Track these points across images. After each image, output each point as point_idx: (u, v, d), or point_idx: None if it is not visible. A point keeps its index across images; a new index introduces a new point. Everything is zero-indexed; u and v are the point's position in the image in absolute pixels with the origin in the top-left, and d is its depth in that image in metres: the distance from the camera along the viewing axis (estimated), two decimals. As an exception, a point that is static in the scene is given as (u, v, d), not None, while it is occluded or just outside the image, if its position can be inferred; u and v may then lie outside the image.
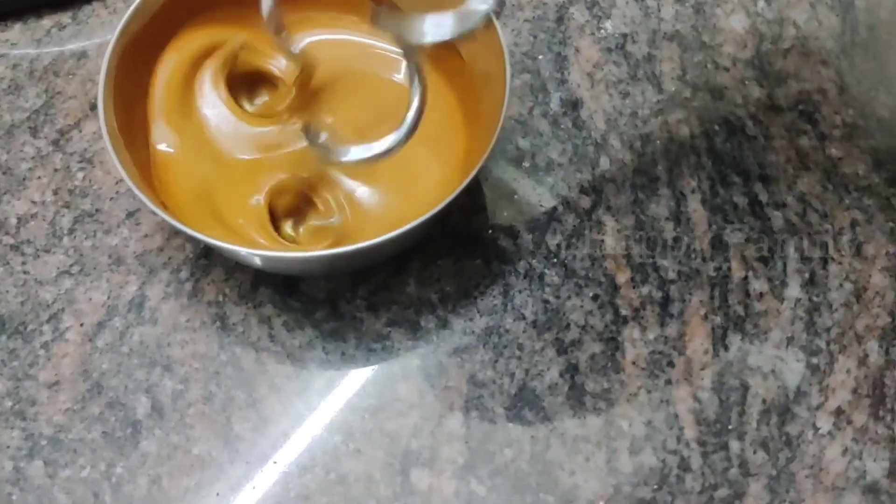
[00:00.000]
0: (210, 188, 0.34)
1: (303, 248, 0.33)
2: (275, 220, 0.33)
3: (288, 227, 0.34)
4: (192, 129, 0.34)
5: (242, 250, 0.30)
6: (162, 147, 0.33)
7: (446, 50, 0.35)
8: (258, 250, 0.31)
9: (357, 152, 0.30)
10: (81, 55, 0.40)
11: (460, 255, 0.36)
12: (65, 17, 0.41)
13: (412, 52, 0.29)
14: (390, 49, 0.37)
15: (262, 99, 0.37)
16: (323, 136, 0.33)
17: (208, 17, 0.35)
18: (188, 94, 0.35)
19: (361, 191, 0.35)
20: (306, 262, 0.33)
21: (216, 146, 0.35)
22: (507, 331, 0.34)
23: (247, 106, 0.36)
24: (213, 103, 0.35)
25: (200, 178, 0.34)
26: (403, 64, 0.36)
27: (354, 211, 0.34)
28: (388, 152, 0.29)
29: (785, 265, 0.36)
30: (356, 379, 0.33)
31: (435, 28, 0.27)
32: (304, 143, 0.34)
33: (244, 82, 0.37)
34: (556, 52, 0.40)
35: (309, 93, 0.36)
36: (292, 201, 0.34)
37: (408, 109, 0.29)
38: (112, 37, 0.32)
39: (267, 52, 0.36)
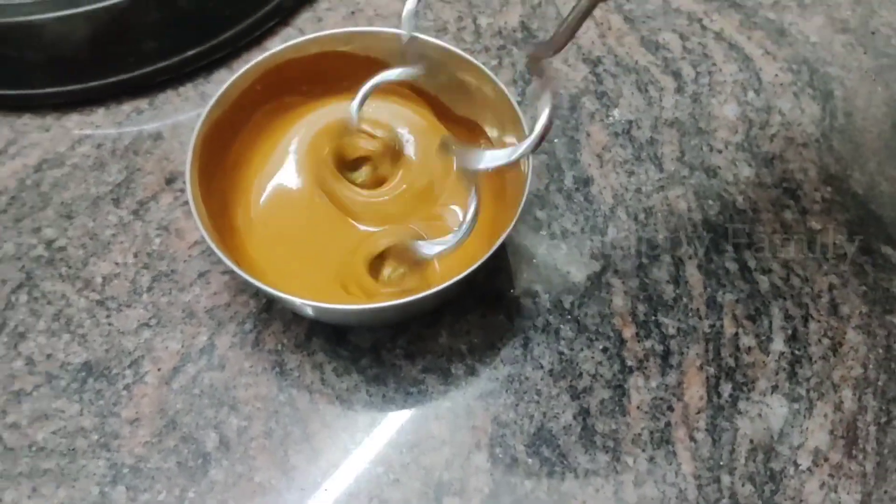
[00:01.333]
0: (272, 251, 0.39)
1: (348, 300, 0.38)
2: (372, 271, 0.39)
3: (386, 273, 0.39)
4: (268, 202, 0.40)
5: (298, 301, 0.34)
6: (245, 214, 0.39)
7: (478, 135, 0.40)
8: (310, 301, 0.35)
9: (429, 247, 0.36)
10: (157, 136, 0.45)
11: (486, 311, 0.40)
12: (143, 103, 0.47)
13: (471, 174, 0.34)
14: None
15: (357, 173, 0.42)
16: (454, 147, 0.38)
17: (278, 104, 0.41)
18: (267, 170, 0.41)
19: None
20: (351, 314, 0.37)
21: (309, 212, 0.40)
22: (526, 378, 0.38)
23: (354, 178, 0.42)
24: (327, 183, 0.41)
25: (277, 239, 0.39)
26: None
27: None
28: (450, 250, 0.35)
29: (770, 323, 0.40)
30: (395, 418, 0.37)
31: (490, 159, 0.32)
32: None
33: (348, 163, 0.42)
34: (570, 136, 0.45)
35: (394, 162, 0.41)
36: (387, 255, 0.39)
37: (465, 215, 0.34)
38: (199, 119, 0.37)
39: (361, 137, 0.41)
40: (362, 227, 0.40)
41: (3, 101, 0.46)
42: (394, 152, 0.41)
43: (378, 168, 0.41)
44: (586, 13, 0.28)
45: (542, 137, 0.30)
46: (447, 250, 0.35)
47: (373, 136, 0.41)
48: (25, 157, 0.45)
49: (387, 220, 0.40)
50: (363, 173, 0.41)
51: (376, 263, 0.39)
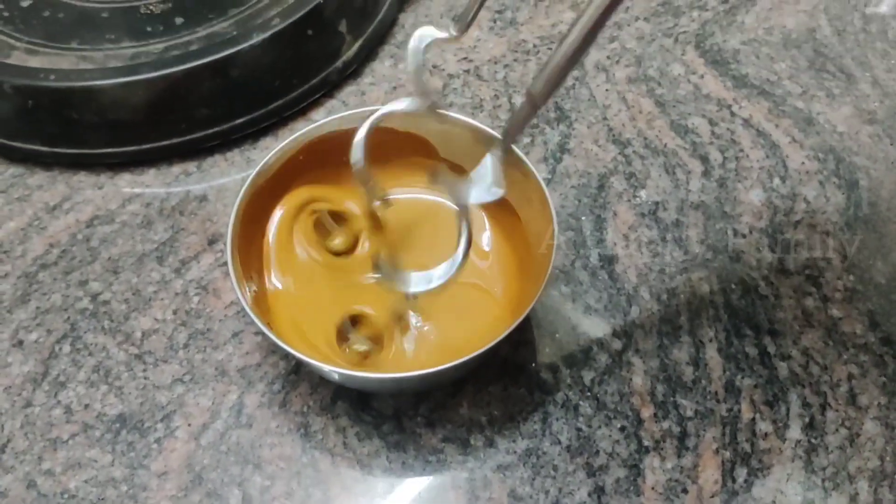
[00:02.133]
0: (300, 315, 0.41)
1: (374, 369, 0.39)
2: (343, 340, 0.40)
3: (356, 345, 0.40)
4: (297, 267, 0.42)
5: (325, 367, 0.35)
6: (273, 282, 0.41)
7: (507, 211, 0.42)
8: (337, 368, 0.37)
9: (417, 281, 0.36)
10: (203, 198, 0.48)
11: (507, 383, 0.41)
12: (191, 166, 0.49)
13: (462, 207, 0.35)
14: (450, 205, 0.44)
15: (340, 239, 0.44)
16: (387, 268, 0.39)
17: (318, 174, 0.43)
18: (290, 240, 0.42)
19: (427, 323, 0.41)
20: (377, 382, 0.39)
21: (309, 281, 0.42)
22: (544, 453, 0.39)
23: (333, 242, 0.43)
24: (305, 245, 0.42)
25: (295, 307, 0.41)
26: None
27: (420, 339, 0.41)
28: (439, 285, 0.36)
29: (788, 410, 0.40)
30: (414, 486, 0.38)
31: (477, 195, 0.33)
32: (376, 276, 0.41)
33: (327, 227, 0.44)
34: (597, 215, 0.47)
35: (382, 234, 0.43)
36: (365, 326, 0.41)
37: (457, 247, 0.35)
38: (244, 185, 0.39)
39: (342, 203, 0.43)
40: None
41: (61, 158, 0.49)
42: (374, 224, 0.43)
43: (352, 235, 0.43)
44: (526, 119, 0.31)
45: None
46: (433, 287, 0.36)
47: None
48: (79, 212, 0.47)
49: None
50: (339, 242, 0.43)
51: (346, 328, 0.41)
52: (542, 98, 0.29)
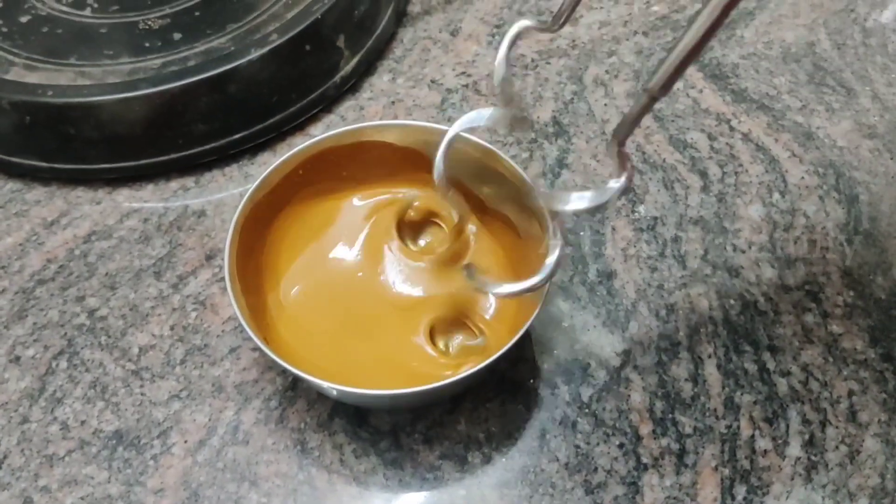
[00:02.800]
0: (302, 330, 0.41)
1: (370, 386, 0.39)
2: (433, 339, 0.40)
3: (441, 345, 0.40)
4: (302, 282, 0.42)
5: (324, 384, 0.35)
6: (289, 295, 0.41)
7: (507, 227, 0.42)
8: (336, 385, 0.36)
9: (507, 288, 0.36)
10: (201, 213, 0.48)
11: (505, 399, 0.41)
12: (189, 181, 0.49)
13: (557, 215, 0.34)
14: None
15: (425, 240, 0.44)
16: (478, 275, 0.38)
17: (317, 189, 0.43)
18: (304, 251, 0.43)
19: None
20: (372, 398, 0.38)
21: (315, 295, 0.42)
22: (542, 470, 0.39)
23: (412, 246, 0.44)
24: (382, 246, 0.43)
25: (298, 321, 0.41)
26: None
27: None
28: (530, 289, 0.35)
29: (788, 426, 0.40)
30: (411, 503, 0.38)
31: (577, 200, 0.31)
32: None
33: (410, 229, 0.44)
34: (595, 230, 0.46)
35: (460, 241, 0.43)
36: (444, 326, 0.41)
37: (548, 257, 0.34)
38: (242, 200, 0.39)
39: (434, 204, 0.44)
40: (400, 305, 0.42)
41: (59, 174, 0.49)
42: (460, 227, 0.43)
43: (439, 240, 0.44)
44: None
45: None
46: (518, 292, 0.35)
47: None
48: (76, 227, 0.47)
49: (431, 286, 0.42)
50: (423, 243, 0.44)
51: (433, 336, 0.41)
52: (662, 91, 0.28)
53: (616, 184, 0.30)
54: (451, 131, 0.37)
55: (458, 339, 0.41)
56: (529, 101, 0.52)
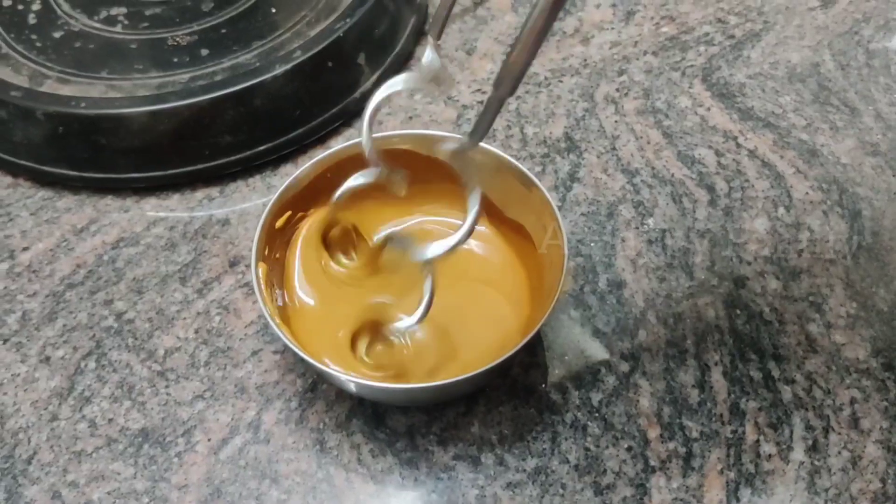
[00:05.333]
0: (316, 330, 0.42)
1: (391, 380, 0.40)
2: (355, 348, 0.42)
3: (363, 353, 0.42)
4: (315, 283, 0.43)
5: (343, 376, 0.37)
6: (300, 299, 0.42)
7: (523, 237, 0.43)
8: (356, 378, 0.38)
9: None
10: (225, 222, 0.49)
11: (518, 403, 0.42)
12: (214, 191, 0.51)
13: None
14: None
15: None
16: (405, 242, 0.40)
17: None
18: (311, 257, 0.44)
19: (443, 341, 0.42)
20: (389, 392, 0.40)
21: (327, 294, 0.43)
22: (553, 471, 0.40)
23: (343, 260, 0.45)
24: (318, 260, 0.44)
25: (313, 322, 0.42)
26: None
27: (435, 356, 0.42)
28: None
29: (792, 432, 0.41)
30: (425, 501, 0.39)
31: (432, 250, 0.36)
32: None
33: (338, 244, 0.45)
34: (606, 241, 0.48)
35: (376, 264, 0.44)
36: (368, 332, 0.42)
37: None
38: (263, 214, 0.40)
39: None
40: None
41: (89, 182, 0.51)
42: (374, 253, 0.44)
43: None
44: (498, 108, 0.32)
45: (471, 230, 0.35)
46: (402, 329, 0.38)
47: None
48: (105, 234, 0.49)
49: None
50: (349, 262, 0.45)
51: (355, 338, 0.42)
52: (509, 93, 0.31)
53: (458, 237, 0.35)
54: (376, 97, 0.37)
55: (377, 347, 0.42)
56: (542, 118, 0.54)
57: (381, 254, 0.44)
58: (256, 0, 0.56)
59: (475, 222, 0.35)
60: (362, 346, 0.42)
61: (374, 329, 0.42)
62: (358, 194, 0.42)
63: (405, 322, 0.39)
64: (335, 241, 0.44)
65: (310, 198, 0.43)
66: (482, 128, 0.33)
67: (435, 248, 0.36)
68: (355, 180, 0.40)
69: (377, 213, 0.45)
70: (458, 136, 0.40)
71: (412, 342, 0.42)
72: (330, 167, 0.43)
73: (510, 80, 0.30)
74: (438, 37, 0.36)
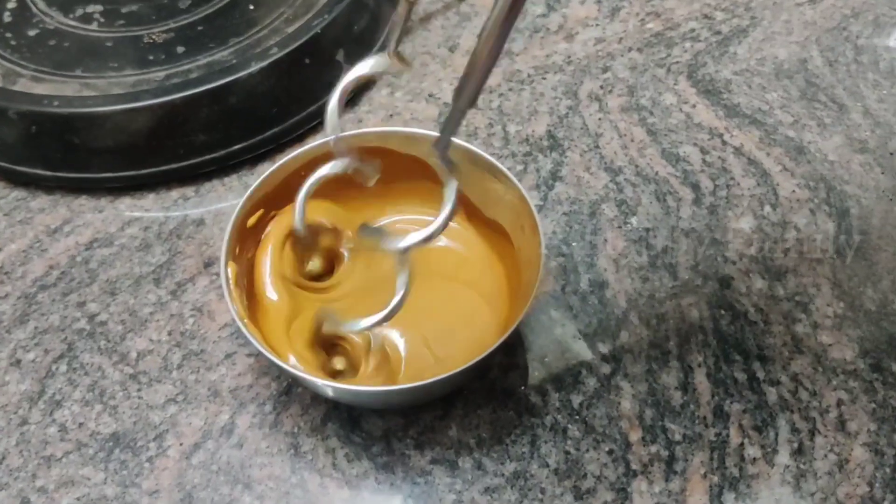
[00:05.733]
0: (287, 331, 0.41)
1: (366, 382, 0.39)
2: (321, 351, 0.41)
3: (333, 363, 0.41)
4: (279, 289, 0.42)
5: (319, 381, 0.36)
6: (271, 299, 0.41)
7: (502, 236, 0.43)
8: (331, 382, 0.37)
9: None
10: (200, 222, 0.48)
11: (496, 406, 0.41)
12: (189, 191, 0.50)
13: (399, 255, 0.35)
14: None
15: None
16: (376, 229, 0.39)
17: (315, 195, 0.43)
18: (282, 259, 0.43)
19: (422, 344, 0.42)
20: (367, 395, 0.39)
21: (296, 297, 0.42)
22: (532, 475, 0.39)
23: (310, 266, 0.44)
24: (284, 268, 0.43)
25: (284, 323, 0.41)
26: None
27: (414, 358, 0.41)
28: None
29: (777, 435, 0.40)
30: (402, 507, 0.39)
31: (406, 240, 0.34)
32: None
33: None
34: (588, 241, 0.47)
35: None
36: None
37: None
38: (234, 213, 0.40)
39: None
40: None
41: (63, 182, 0.50)
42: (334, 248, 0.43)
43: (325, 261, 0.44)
44: (460, 120, 0.32)
45: (447, 221, 0.34)
46: (368, 326, 0.37)
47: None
48: (78, 235, 0.48)
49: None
50: (315, 264, 0.44)
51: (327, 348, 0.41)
52: (471, 102, 0.31)
53: (433, 228, 0.34)
54: (342, 82, 0.37)
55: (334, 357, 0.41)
56: (524, 115, 0.53)
57: (361, 252, 0.43)
58: (235, -3, 0.55)
59: (451, 214, 0.34)
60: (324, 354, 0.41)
61: (326, 338, 0.41)
62: (328, 193, 0.42)
63: (367, 320, 0.37)
64: (305, 242, 0.44)
65: (283, 196, 0.42)
66: (444, 140, 0.33)
67: (410, 239, 0.35)
68: (322, 172, 0.39)
69: (351, 212, 0.44)
70: (435, 133, 0.39)
71: (389, 346, 0.41)
72: (304, 164, 0.42)
73: (471, 90, 0.30)
74: (395, 47, 0.36)
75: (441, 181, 0.35)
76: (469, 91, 0.30)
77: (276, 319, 0.40)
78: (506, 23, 0.28)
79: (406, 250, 0.35)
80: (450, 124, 0.33)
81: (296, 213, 0.40)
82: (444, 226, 0.34)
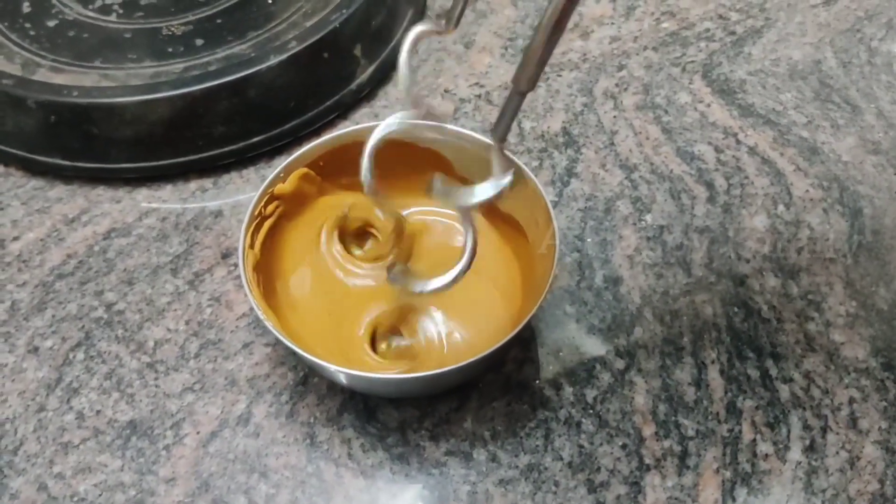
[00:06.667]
0: (310, 321, 0.42)
1: (382, 369, 0.40)
2: (374, 342, 0.41)
3: (383, 347, 0.42)
4: (313, 276, 0.43)
5: (332, 367, 0.36)
6: (292, 289, 0.42)
7: (517, 231, 0.43)
8: (343, 368, 0.37)
9: (429, 285, 0.36)
10: (218, 213, 0.49)
11: (511, 399, 0.41)
12: (207, 182, 0.50)
13: (465, 213, 0.35)
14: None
15: (368, 246, 0.45)
16: (400, 275, 0.40)
17: (327, 186, 0.44)
18: (310, 249, 0.43)
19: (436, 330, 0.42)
20: (378, 383, 0.40)
21: (331, 288, 0.43)
22: (546, 468, 0.40)
23: (357, 252, 0.45)
24: (328, 253, 0.43)
25: (316, 312, 0.42)
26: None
27: (429, 344, 0.42)
28: (447, 286, 0.35)
29: (789, 432, 0.40)
30: (416, 498, 0.39)
31: (469, 196, 0.33)
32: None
33: (353, 235, 0.45)
34: (603, 237, 0.47)
35: (402, 243, 0.44)
36: (385, 328, 0.42)
37: (462, 255, 0.35)
38: (253, 201, 0.40)
39: (370, 212, 0.44)
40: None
41: (81, 172, 0.50)
42: (398, 231, 0.43)
43: (381, 244, 0.44)
44: (519, 105, 0.31)
45: (472, 257, 0.34)
46: (443, 287, 0.36)
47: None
48: (96, 225, 0.48)
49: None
50: (367, 248, 0.45)
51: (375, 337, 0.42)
52: (530, 84, 0.30)
53: (504, 180, 0.32)
54: (373, 138, 0.38)
55: (395, 342, 0.42)
56: (540, 112, 0.54)
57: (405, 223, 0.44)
58: (253, -10, 0.55)
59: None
60: (382, 343, 0.42)
61: (391, 329, 0.42)
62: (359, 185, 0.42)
63: (439, 280, 0.36)
64: (352, 229, 0.44)
65: (305, 184, 0.43)
66: (502, 127, 0.32)
67: (480, 194, 0.34)
68: (394, 119, 0.38)
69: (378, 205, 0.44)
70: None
71: (407, 330, 0.42)
72: (320, 156, 0.42)
73: (529, 73, 0.29)
74: (456, 26, 0.36)
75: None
76: (528, 74, 0.29)
77: (296, 310, 0.41)
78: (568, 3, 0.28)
79: (473, 207, 0.34)
80: (507, 111, 0.31)
81: (363, 165, 0.38)
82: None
